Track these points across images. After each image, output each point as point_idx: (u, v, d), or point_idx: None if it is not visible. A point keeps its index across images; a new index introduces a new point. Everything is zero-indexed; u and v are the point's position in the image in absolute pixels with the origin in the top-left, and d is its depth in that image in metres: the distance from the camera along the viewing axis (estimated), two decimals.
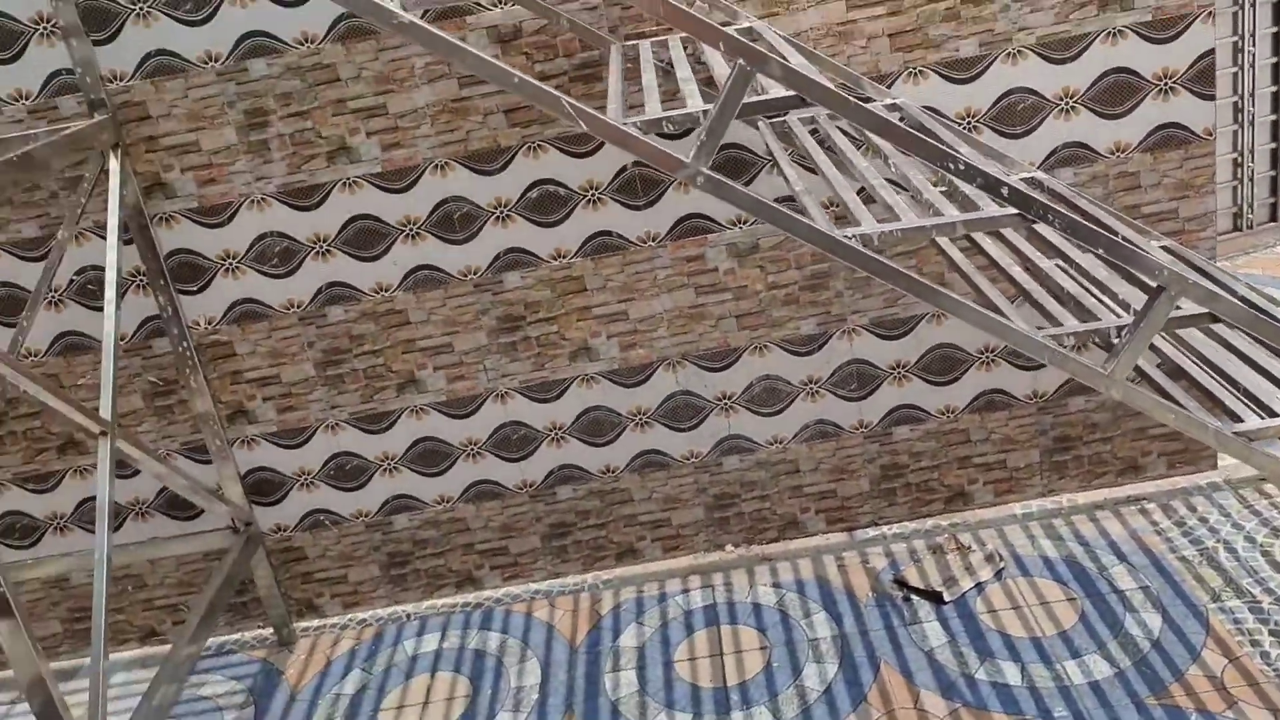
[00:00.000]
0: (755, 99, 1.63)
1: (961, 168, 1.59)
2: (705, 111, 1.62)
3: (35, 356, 2.68)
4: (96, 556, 2.11)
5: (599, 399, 2.81)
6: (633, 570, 2.97)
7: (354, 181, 2.57)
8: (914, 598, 2.63)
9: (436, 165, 2.56)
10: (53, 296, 2.63)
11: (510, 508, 2.91)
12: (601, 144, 2.56)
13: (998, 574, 2.65)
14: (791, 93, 1.60)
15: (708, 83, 2.09)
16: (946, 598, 2.59)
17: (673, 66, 2.25)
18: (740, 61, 1.55)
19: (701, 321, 2.73)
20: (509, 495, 2.89)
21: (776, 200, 1.67)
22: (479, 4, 2.38)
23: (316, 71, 2.47)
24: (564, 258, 2.66)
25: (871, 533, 2.94)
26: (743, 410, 2.83)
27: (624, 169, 2.59)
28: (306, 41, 2.44)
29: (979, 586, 2.62)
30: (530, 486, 2.89)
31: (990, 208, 1.66)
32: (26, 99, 2.45)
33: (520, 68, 2.44)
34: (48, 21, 2.38)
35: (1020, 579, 2.63)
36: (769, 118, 2.22)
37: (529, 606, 2.91)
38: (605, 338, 2.74)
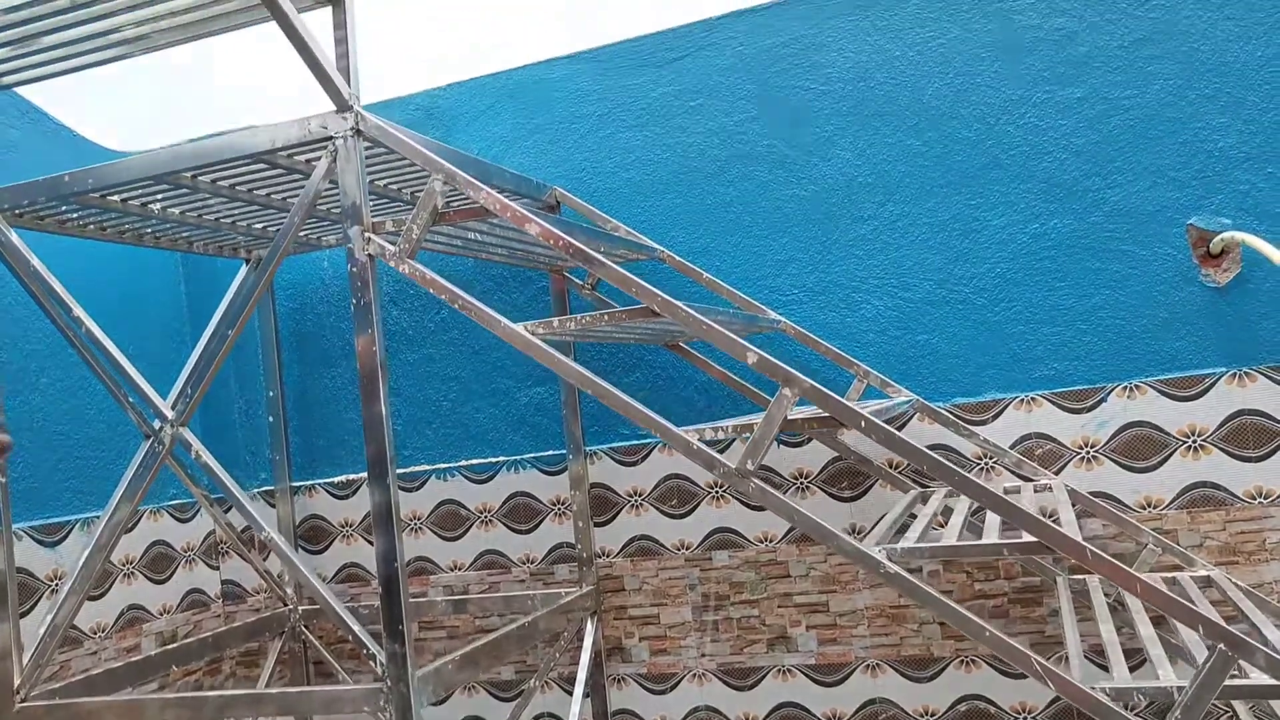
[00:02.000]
0: (1237, 683, 1.62)
1: None
2: (1180, 688, 1.63)
3: None
4: None
5: None
6: None
7: (788, 670, 2.74)
8: None
9: (868, 665, 2.68)
10: None
11: None
12: None
13: None
14: (1277, 682, 1.58)
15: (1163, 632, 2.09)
16: None
17: (1123, 605, 2.28)
18: (1221, 647, 1.57)
19: None
20: None
21: None
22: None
23: (770, 566, 2.76)
24: None
25: None
26: None
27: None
28: (766, 540, 2.76)
29: None
30: None
31: None
32: (532, 562, 2.95)
33: (960, 585, 2.59)
34: (562, 504, 2.91)
35: None
36: None
37: None
38: None
